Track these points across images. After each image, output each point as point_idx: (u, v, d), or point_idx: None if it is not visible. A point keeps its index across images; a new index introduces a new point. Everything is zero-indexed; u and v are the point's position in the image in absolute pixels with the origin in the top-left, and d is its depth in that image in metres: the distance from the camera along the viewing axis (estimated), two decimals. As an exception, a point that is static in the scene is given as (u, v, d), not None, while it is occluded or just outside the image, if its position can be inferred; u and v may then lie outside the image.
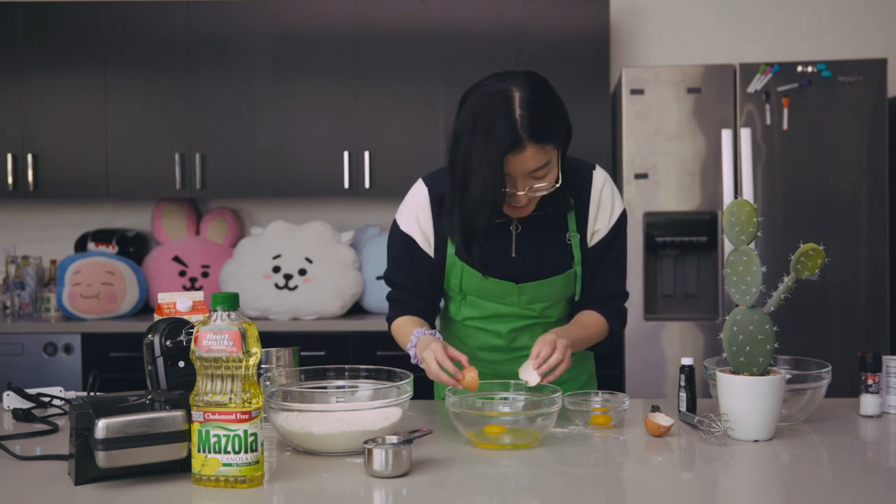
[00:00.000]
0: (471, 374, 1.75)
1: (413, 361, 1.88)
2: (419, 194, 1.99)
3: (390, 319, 2.06)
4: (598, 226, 1.97)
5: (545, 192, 1.82)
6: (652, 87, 3.64)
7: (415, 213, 1.98)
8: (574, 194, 1.94)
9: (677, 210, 3.65)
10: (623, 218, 2.00)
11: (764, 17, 4.29)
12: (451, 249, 1.96)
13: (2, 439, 1.75)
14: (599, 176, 1.97)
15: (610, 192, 1.98)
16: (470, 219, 1.81)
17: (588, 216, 1.96)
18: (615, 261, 2.01)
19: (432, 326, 2.05)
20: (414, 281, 2.01)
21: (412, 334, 1.89)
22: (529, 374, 1.77)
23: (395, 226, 2.03)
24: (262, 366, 1.99)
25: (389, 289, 2.08)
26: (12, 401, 1.98)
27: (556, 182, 1.81)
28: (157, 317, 1.77)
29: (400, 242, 2.01)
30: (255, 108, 4.06)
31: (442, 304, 2.13)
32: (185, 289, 4.07)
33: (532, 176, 1.79)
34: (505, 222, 1.93)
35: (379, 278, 3.98)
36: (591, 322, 1.97)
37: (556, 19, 3.96)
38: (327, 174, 4.05)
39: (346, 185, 4.03)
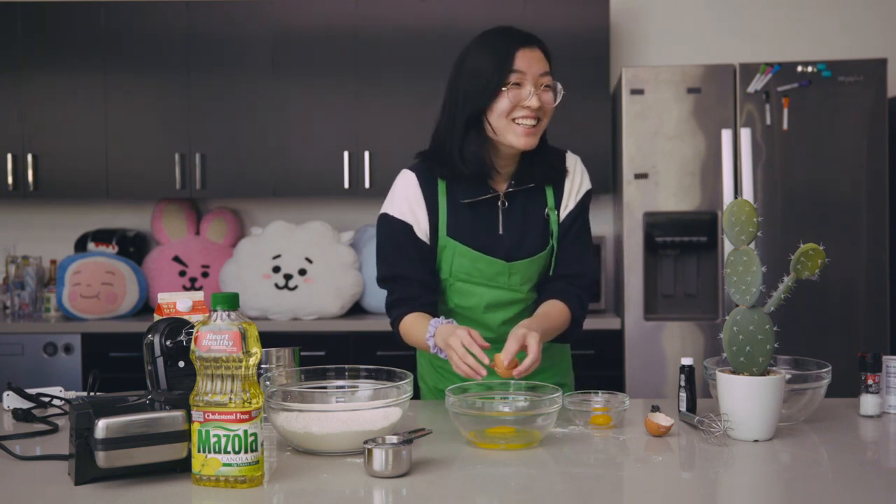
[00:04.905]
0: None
1: (433, 351, 1.87)
2: (408, 179, 2.03)
3: (396, 320, 2.02)
4: (570, 202, 2.06)
5: (550, 105, 1.95)
6: (652, 87, 3.64)
7: (406, 199, 2.01)
8: (553, 171, 2.03)
9: (677, 210, 3.64)
10: (588, 195, 2.08)
11: (764, 17, 4.29)
12: (442, 231, 1.98)
13: (2, 439, 1.75)
14: (572, 157, 2.09)
15: (581, 171, 2.09)
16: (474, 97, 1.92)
17: (563, 193, 2.05)
18: (578, 235, 2.06)
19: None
20: (418, 268, 1.99)
21: (428, 325, 1.88)
22: (502, 369, 1.80)
23: (386, 219, 2.04)
24: (262, 366, 1.99)
25: (388, 292, 2.04)
26: (12, 401, 1.98)
27: (556, 98, 1.96)
28: (157, 317, 1.77)
29: (398, 230, 2.01)
30: (255, 108, 4.06)
31: None
32: (185, 289, 4.07)
33: (541, 81, 1.94)
34: (493, 198, 2.00)
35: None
36: (554, 313, 1.99)
37: (556, 19, 3.96)
38: (327, 174, 4.05)
39: (346, 185, 4.03)
